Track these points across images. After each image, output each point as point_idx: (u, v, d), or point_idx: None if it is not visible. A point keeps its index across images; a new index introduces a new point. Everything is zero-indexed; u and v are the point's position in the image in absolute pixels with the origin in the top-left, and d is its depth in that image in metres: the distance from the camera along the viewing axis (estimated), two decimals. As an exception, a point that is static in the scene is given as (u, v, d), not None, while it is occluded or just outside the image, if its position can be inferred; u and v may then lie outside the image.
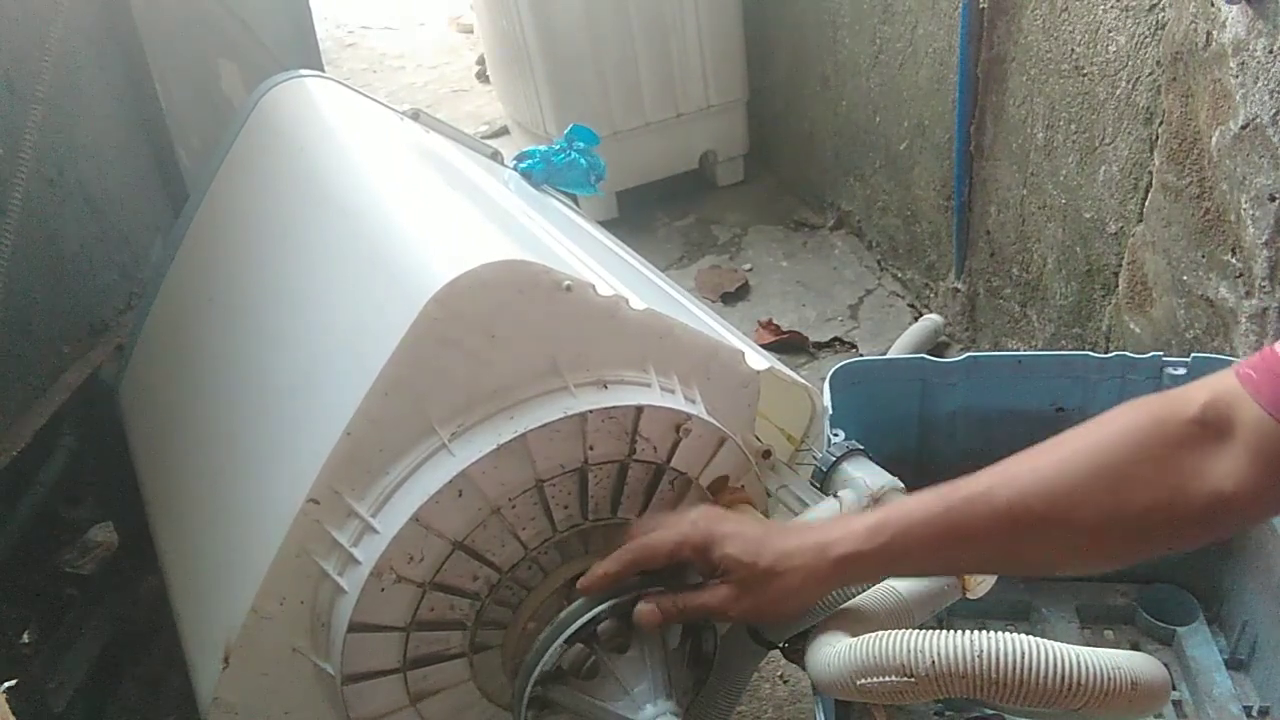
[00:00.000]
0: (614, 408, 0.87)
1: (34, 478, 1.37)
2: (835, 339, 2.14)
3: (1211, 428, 0.65)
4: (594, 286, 0.88)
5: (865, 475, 1.02)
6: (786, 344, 2.12)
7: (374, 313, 0.87)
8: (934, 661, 0.69)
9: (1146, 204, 1.43)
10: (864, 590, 0.85)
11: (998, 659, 0.68)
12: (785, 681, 1.37)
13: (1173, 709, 1.20)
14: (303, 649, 0.85)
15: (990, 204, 1.86)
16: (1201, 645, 1.25)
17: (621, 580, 0.84)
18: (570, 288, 0.86)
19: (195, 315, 1.19)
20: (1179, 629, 1.26)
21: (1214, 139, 1.25)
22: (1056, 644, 0.70)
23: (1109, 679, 0.69)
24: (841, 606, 0.86)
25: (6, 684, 0.48)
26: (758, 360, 1.05)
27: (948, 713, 1.18)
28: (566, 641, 0.82)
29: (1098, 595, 1.34)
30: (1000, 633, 0.70)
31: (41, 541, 1.52)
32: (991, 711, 1.00)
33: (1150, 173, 1.41)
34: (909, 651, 0.71)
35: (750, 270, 2.41)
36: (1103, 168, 1.52)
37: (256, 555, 0.84)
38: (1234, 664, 1.23)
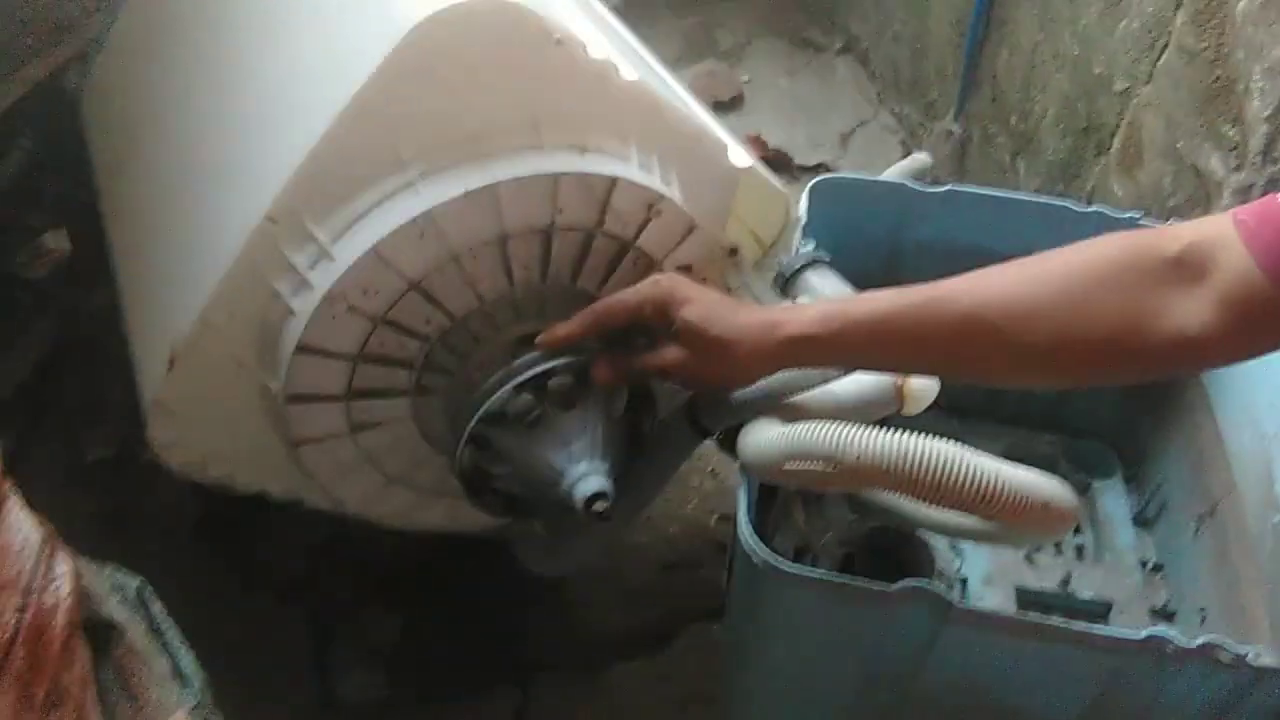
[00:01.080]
0: (589, 174, 0.86)
1: (-11, 171, 1.34)
2: (820, 165, 2.11)
3: (1189, 268, 0.65)
4: (586, 46, 0.85)
5: (827, 286, 1.02)
6: (771, 162, 2.08)
7: (354, 35, 0.84)
8: (860, 454, 0.72)
9: (1159, 64, 1.39)
10: (806, 389, 0.87)
11: (921, 459, 0.71)
12: (715, 476, 1.42)
13: (1074, 553, 1.26)
14: (248, 363, 0.86)
15: (1003, 46, 1.80)
16: (1114, 500, 1.30)
17: (583, 339, 0.85)
18: (561, 42, 0.83)
19: (167, 23, 1.13)
20: (1095, 482, 1.32)
21: (1240, 3, 1.21)
22: (980, 455, 0.72)
23: (1022, 494, 0.72)
24: (780, 404, 0.88)
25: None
26: (740, 156, 1.03)
27: (861, 520, 1.22)
28: (517, 388, 0.84)
29: (1026, 441, 1.38)
30: (928, 437, 0.72)
31: (-8, 239, 1.50)
32: (897, 523, 1.05)
33: (1170, 32, 1.37)
34: (838, 441, 0.73)
35: (747, 82, 2.34)
36: (1123, 21, 1.47)
37: (210, 267, 0.83)
38: (1140, 521, 1.28)
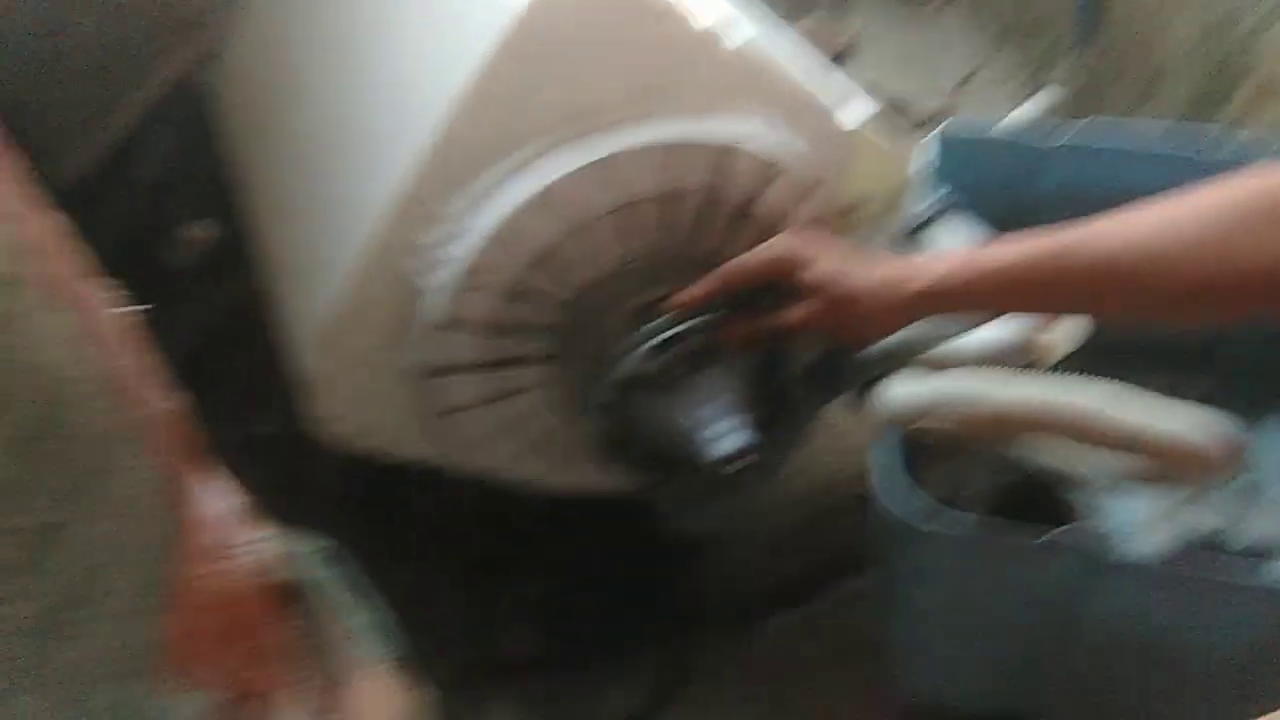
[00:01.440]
0: (705, 141, 0.86)
1: (133, 168, 1.41)
2: (935, 115, 2.06)
3: None
4: (695, 13, 0.85)
5: (957, 233, 1.00)
6: (884, 115, 2.05)
7: (474, 18, 0.86)
8: (1008, 400, 0.71)
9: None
10: (941, 341, 0.86)
11: (1072, 401, 0.69)
12: (845, 432, 1.41)
13: (1236, 497, 1.19)
14: (391, 340, 0.90)
15: (1125, -17, 1.73)
16: (1277, 441, 1.24)
17: (712, 300, 0.87)
18: (670, 11, 0.84)
19: (293, 13, 1.18)
20: (1258, 423, 1.25)
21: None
22: (1136, 394, 0.70)
23: (1181, 433, 0.69)
24: (915, 357, 0.87)
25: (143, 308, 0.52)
26: (857, 113, 1.02)
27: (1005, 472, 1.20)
28: (652, 350, 0.85)
29: (1185, 381, 1.26)
30: (1078, 378, 0.71)
31: (140, 231, 1.59)
32: (1043, 472, 1.02)
33: (1307, -41, 1.29)
34: (984, 389, 0.72)
35: (856, 34, 2.30)
36: (1256, -51, 1.39)
37: (349, 249, 0.88)
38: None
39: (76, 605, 0.45)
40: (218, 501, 0.57)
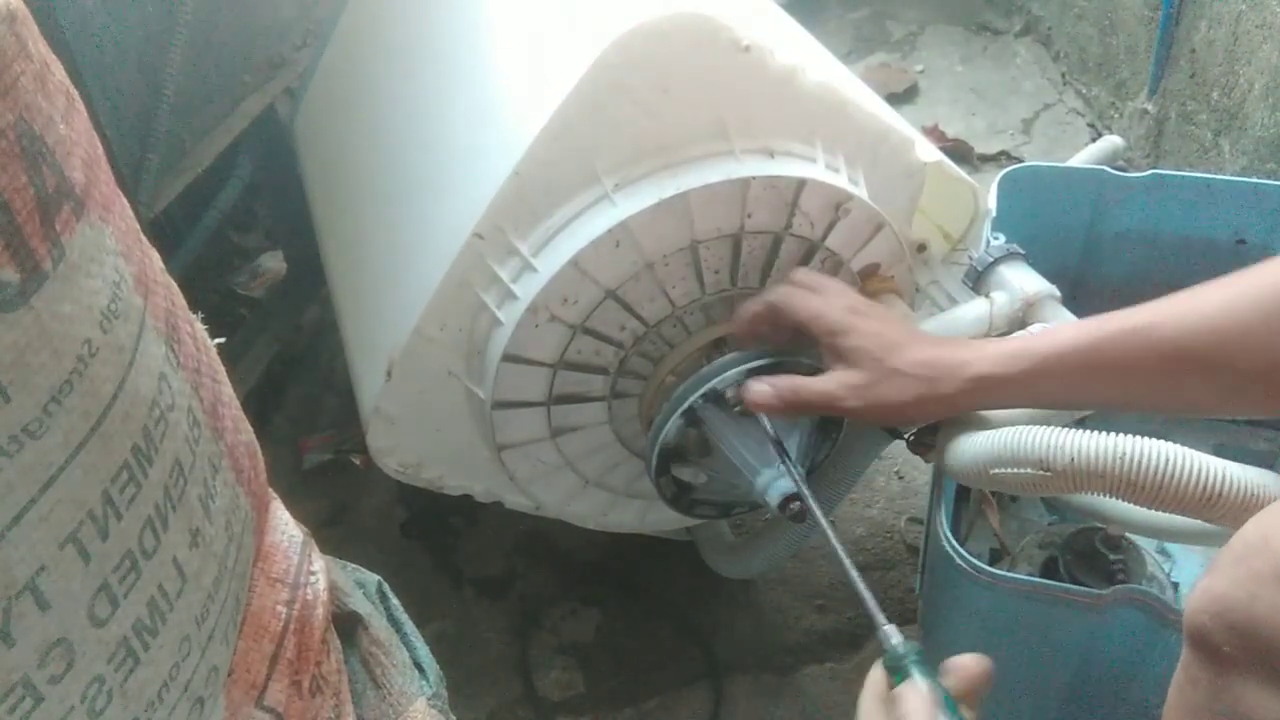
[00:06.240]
0: (777, 177, 0.86)
1: (211, 202, 1.45)
2: (1002, 153, 2.04)
3: None
4: (773, 51, 0.86)
5: (1021, 280, 0.99)
6: (950, 153, 2.01)
7: (552, 56, 0.87)
8: (1074, 458, 0.69)
9: (1386, 28, 1.28)
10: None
11: (1140, 462, 0.67)
12: (901, 478, 1.40)
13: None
14: (458, 373, 0.90)
15: (1201, 18, 1.70)
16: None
17: (755, 324, 0.83)
18: (749, 49, 0.84)
19: (371, 51, 1.20)
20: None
21: None
22: (1202, 454, 0.68)
23: (1252, 495, 0.68)
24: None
25: (219, 340, 0.53)
26: (927, 151, 1.02)
27: (1059, 522, 1.18)
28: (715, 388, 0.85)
29: (1239, 438, 1.29)
30: (1144, 438, 0.69)
31: (214, 264, 1.64)
32: (1102, 525, 1.00)
33: (1399, -8, 1.26)
34: (1050, 446, 0.70)
35: (921, 72, 2.29)
36: (1343, -16, 1.36)
37: (422, 282, 0.88)
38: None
39: (155, 629, 0.46)
40: (284, 530, 0.57)
